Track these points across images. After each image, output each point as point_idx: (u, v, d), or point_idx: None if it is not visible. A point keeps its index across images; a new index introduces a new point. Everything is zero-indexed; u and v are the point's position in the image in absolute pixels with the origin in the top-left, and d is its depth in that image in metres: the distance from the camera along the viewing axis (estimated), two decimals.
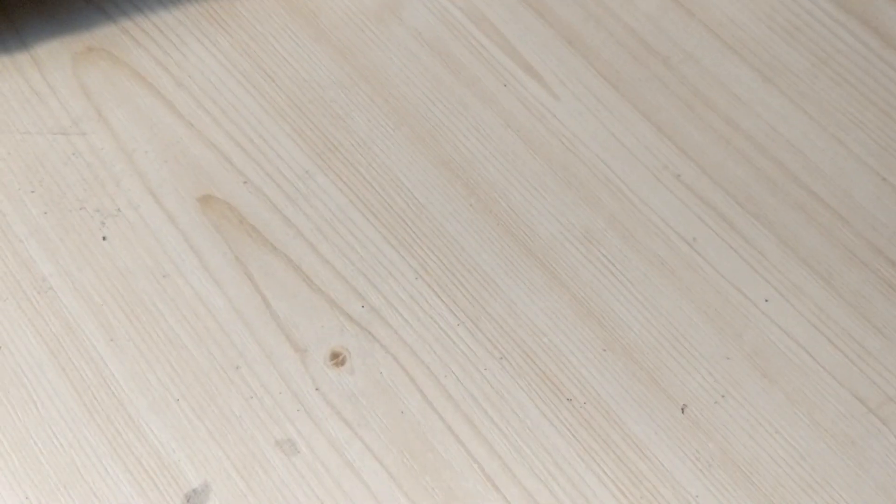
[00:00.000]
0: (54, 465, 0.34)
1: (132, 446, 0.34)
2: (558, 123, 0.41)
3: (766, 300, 0.38)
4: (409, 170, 0.40)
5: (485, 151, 0.41)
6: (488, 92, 0.42)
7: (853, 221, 0.39)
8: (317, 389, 0.35)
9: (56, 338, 0.36)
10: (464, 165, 0.40)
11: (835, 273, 0.38)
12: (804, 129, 0.42)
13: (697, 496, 0.34)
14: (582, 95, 0.42)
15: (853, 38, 0.44)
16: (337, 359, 0.36)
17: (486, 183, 0.40)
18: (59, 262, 0.37)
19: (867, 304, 0.38)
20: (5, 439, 0.34)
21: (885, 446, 0.35)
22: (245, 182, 0.39)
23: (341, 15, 0.44)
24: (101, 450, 0.34)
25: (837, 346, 0.37)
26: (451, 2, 0.44)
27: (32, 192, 0.39)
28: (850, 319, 0.37)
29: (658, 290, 0.38)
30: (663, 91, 0.42)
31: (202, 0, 0.43)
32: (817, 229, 0.39)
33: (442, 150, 0.41)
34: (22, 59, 0.41)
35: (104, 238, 0.38)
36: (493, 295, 0.37)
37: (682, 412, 0.35)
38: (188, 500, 0.33)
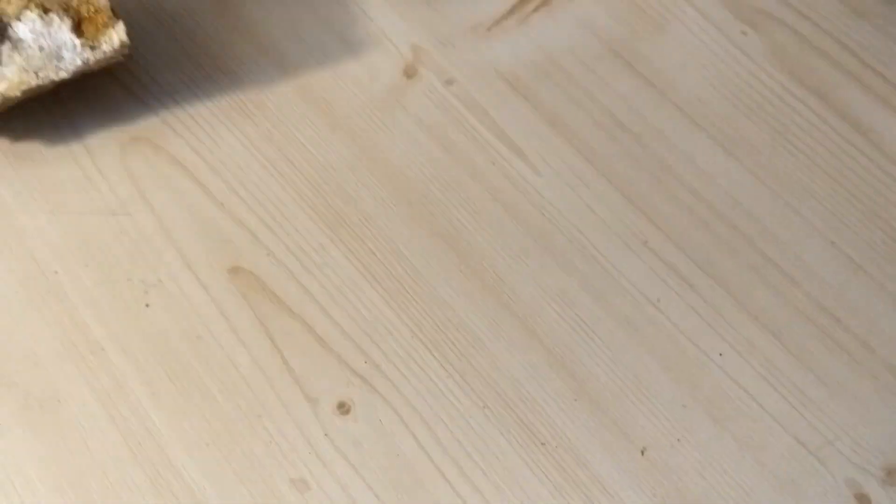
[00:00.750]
0: (105, 502, 0.40)
1: (170, 485, 0.40)
2: (540, 197, 0.47)
3: (721, 354, 0.43)
4: (409, 241, 0.46)
5: (475, 223, 0.46)
6: (479, 170, 0.47)
7: (803, 282, 0.44)
8: (326, 435, 0.41)
9: (106, 392, 0.42)
10: (456, 236, 0.46)
11: (784, 329, 0.43)
12: (761, 198, 0.46)
13: None
14: (562, 171, 0.47)
15: (810, 111, 0.49)
16: (343, 408, 0.42)
17: (476, 251, 0.45)
18: (109, 326, 0.43)
19: (812, 358, 0.42)
20: (64, 478, 0.40)
21: (822, 485, 0.40)
22: (268, 255, 0.45)
23: (353, 105, 0.49)
24: (144, 488, 0.40)
25: (783, 395, 0.41)
26: (448, 90, 0.50)
27: (86, 265, 0.45)
28: (795, 371, 0.42)
29: (624, 345, 0.43)
30: (634, 166, 0.47)
31: (232, 94, 0.49)
32: (769, 290, 0.44)
33: (437, 222, 0.46)
34: (76, 148, 0.48)
35: (147, 305, 0.44)
36: (478, 351, 0.43)
37: (642, 454, 0.40)
38: None
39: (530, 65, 0.51)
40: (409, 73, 0.50)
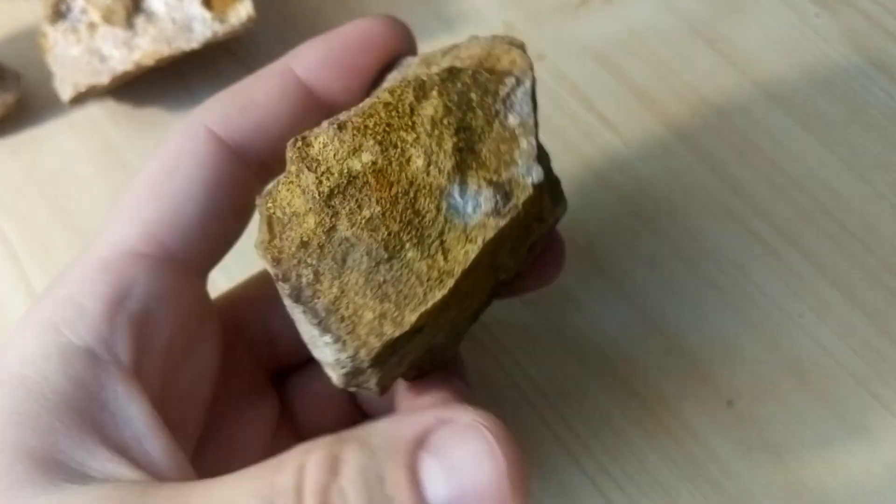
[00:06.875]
0: None
1: None
2: (629, 167, 0.50)
3: (801, 315, 0.46)
4: None
5: (567, 190, 0.49)
6: (570, 140, 0.51)
7: (876, 249, 0.47)
8: None
9: None
10: None
11: (859, 293, 0.46)
12: (837, 170, 0.49)
13: (739, 473, 0.42)
14: (648, 142, 0.50)
15: (880, 90, 0.51)
16: None
17: (568, 215, 0.48)
18: None
19: (884, 319, 0.45)
20: None
21: (894, 435, 0.43)
22: None
23: None
24: None
25: (858, 353, 0.44)
26: (539, 65, 0.52)
27: None
28: (870, 331, 0.45)
29: (711, 306, 0.46)
30: (717, 138, 0.50)
31: None
32: (845, 256, 0.47)
33: None
34: None
35: None
36: (575, 309, 0.46)
37: (729, 405, 0.44)
38: None
39: (616, 42, 0.53)
40: None
